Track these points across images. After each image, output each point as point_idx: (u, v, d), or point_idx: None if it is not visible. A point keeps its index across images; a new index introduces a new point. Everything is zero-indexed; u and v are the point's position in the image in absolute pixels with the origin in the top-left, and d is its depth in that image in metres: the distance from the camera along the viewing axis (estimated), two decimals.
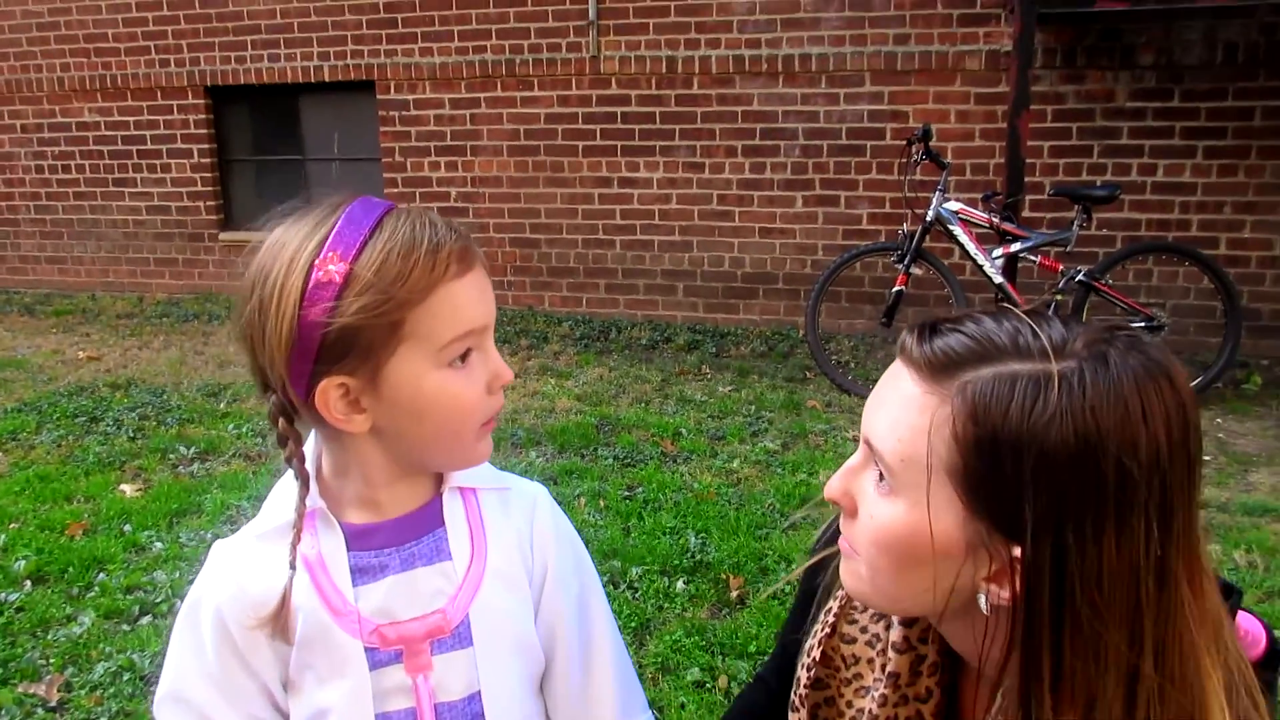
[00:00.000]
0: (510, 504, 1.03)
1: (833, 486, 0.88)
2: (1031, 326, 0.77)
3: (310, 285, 0.84)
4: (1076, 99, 5.76)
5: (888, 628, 0.96)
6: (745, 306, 6.67)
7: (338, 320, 0.83)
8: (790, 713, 1.01)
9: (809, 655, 0.99)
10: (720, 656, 2.58)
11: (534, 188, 6.92)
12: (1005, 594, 0.77)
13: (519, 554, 1.00)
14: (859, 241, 6.02)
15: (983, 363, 0.77)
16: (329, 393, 0.87)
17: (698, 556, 3.13)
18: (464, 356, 0.89)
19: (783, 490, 3.66)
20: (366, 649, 0.92)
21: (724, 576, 3.01)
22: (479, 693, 0.95)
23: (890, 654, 0.94)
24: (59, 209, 8.21)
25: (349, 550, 0.93)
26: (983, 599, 0.79)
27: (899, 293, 5.11)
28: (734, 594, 2.91)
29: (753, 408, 4.77)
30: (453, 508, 0.98)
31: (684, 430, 4.41)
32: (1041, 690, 0.75)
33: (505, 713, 0.97)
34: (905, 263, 5.03)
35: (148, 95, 7.73)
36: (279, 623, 0.91)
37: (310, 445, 0.96)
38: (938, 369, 0.78)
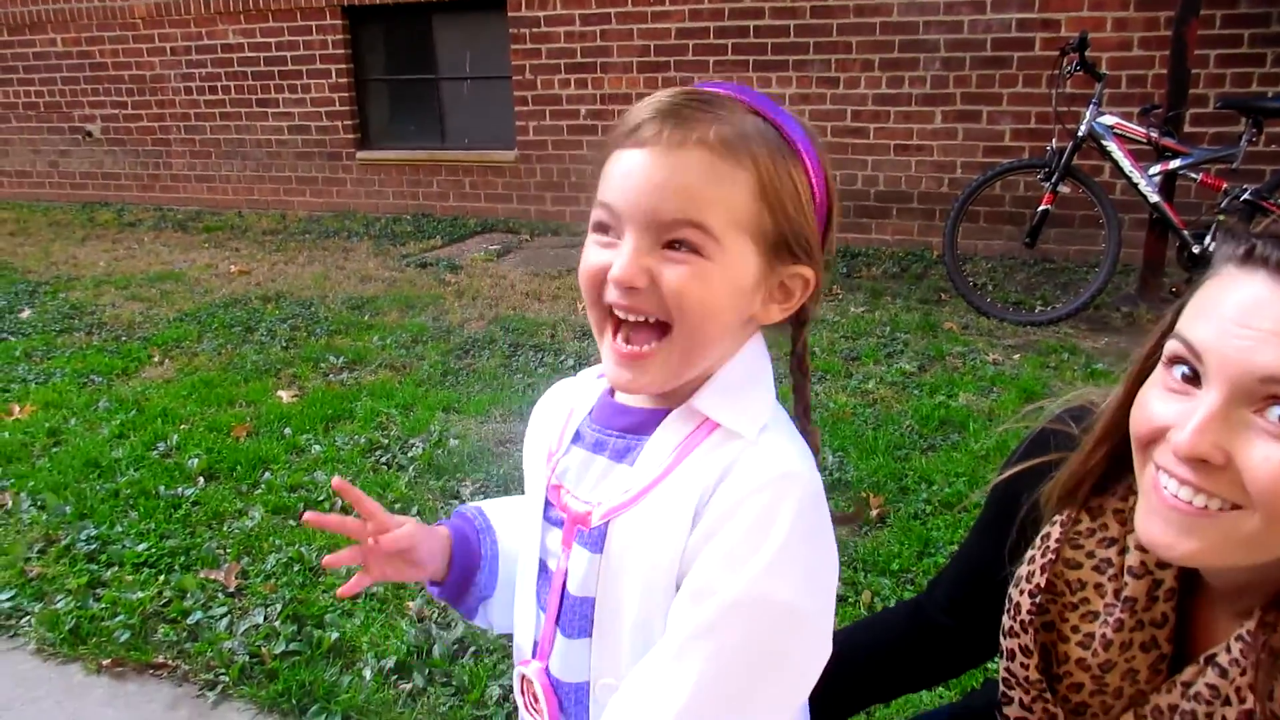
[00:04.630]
0: (722, 450, 0.86)
1: (1201, 445, 0.78)
2: None
3: None
4: (1250, 3, 5.33)
5: (1121, 552, 0.93)
6: (878, 226, 6.51)
7: None
8: (1008, 638, 1.00)
9: (1030, 581, 0.98)
10: (863, 573, 2.58)
11: None
12: None
13: (693, 502, 0.84)
14: (1000, 159, 5.76)
15: None
16: None
17: (835, 475, 3.12)
18: (608, 231, 0.86)
19: (921, 412, 3.61)
20: (546, 501, 0.97)
21: (864, 495, 3.00)
22: (593, 599, 0.90)
23: (1127, 579, 0.92)
24: (207, 129, 8.55)
25: (589, 414, 0.98)
26: None
27: (1045, 212, 4.90)
28: (874, 512, 2.90)
29: (887, 329, 4.69)
30: (673, 426, 0.89)
31: (817, 350, 4.37)
32: None
33: (614, 631, 0.90)
34: (1054, 180, 4.80)
35: (288, 16, 7.92)
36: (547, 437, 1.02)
37: None
38: None
